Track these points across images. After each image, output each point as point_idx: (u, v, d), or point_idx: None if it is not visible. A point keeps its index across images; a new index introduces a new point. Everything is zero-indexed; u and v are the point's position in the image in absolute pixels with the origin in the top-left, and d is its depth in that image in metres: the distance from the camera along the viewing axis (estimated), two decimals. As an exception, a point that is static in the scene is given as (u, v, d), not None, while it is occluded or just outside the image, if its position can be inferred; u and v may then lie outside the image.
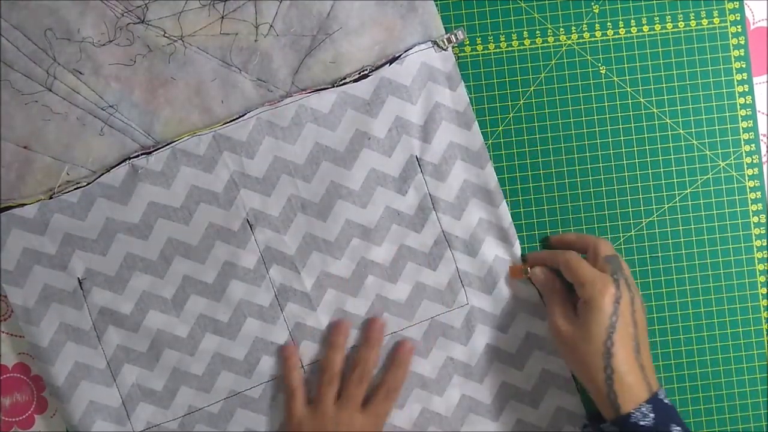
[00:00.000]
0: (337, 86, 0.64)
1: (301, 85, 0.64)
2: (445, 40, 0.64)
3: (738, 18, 0.66)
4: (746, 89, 0.66)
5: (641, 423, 0.56)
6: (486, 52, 0.66)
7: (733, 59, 0.66)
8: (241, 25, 0.64)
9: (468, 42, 0.66)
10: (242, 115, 0.64)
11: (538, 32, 0.66)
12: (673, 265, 0.66)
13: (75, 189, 0.63)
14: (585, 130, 0.66)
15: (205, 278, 0.64)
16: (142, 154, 0.63)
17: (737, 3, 0.66)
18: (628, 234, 0.66)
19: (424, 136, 0.64)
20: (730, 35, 0.66)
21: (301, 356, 0.65)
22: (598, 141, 0.66)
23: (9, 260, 0.64)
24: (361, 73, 0.64)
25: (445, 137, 0.64)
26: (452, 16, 0.66)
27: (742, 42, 0.66)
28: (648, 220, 0.66)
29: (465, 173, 0.65)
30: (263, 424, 0.65)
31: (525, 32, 0.66)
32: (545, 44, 0.66)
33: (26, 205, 0.63)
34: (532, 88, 0.66)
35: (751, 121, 0.66)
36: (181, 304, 0.64)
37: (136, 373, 0.64)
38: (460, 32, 0.64)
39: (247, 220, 0.64)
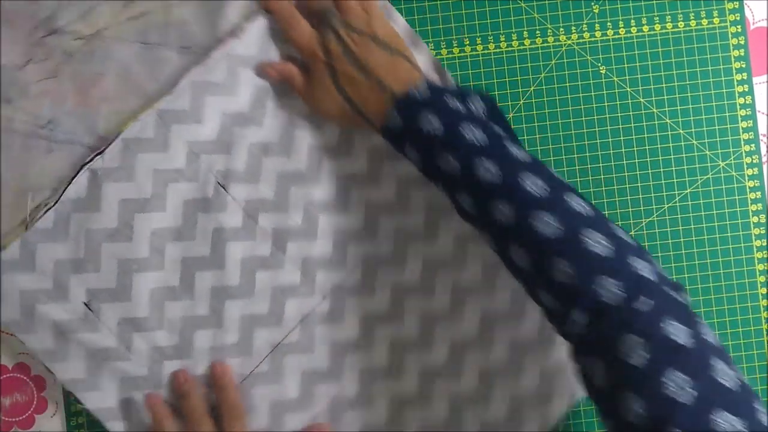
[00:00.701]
0: (254, 21, 0.63)
1: (226, 38, 0.64)
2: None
3: (738, 18, 0.66)
4: (746, 89, 0.66)
5: (391, 124, 0.58)
6: (486, 52, 0.66)
7: (733, 59, 0.66)
8: (149, 4, 0.64)
9: (468, 42, 0.66)
10: (175, 86, 0.63)
11: (538, 32, 0.66)
12: (672, 265, 0.66)
13: (45, 212, 0.62)
14: (585, 130, 0.66)
15: (201, 253, 0.64)
16: (95, 156, 0.63)
17: (737, 3, 0.66)
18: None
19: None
20: (730, 35, 0.66)
21: (321, 289, 0.65)
22: (598, 141, 0.66)
23: (11, 309, 0.62)
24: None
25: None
26: (452, 16, 0.66)
27: (742, 42, 0.66)
28: (648, 220, 0.66)
29: None
30: (315, 360, 0.65)
31: (525, 32, 0.66)
32: (545, 44, 0.66)
33: (7, 246, 0.62)
34: (532, 88, 0.66)
35: (751, 121, 0.66)
36: (190, 286, 0.64)
37: (178, 367, 0.64)
38: None
39: (218, 183, 0.64)
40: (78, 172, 0.63)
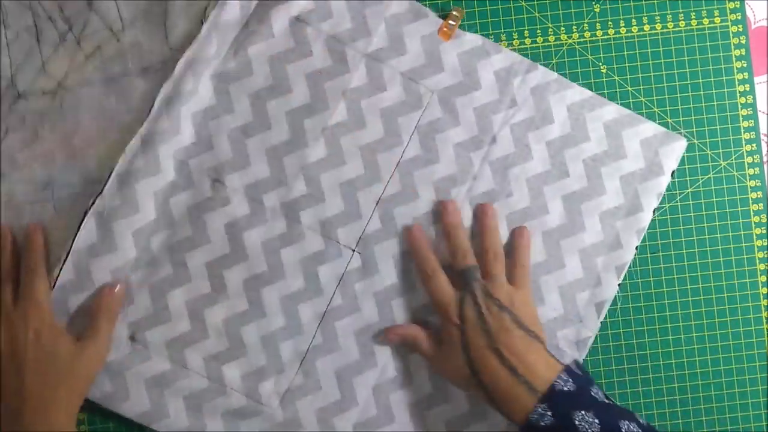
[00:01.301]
0: (206, 22, 0.64)
1: (177, 46, 0.64)
2: None
3: (739, 17, 0.66)
4: (747, 89, 0.66)
5: (540, 422, 0.55)
6: (487, 51, 0.66)
7: (734, 59, 0.66)
8: (97, 38, 0.65)
9: (469, 41, 0.66)
10: (150, 108, 0.63)
11: (539, 31, 0.66)
12: (673, 264, 0.66)
13: (61, 267, 0.63)
14: (586, 130, 0.66)
15: (222, 252, 0.64)
16: (96, 199, 0.63)
17: (738, 2, 0.66)
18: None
19: (395, 50, 0.65)
20: (731, 35, 0.66)
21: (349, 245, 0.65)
22: (599, 140, 0.66)
23: None
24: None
25: (407, 36, 0.65)
26: (453, 15, 0.66)
27: (743, 41, 0.66)
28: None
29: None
30: (364, 317, 0.64)
31: (526, 31, 0.66)
32: (546, 43, 0.66)
33: None
34: (533, 88, 0.66)
35: (752, 121, 0.66)
36: (222, 286, 0.64)
37: (238, 368, 0.64)
38: None
39: (213, 180, 0.64)
40: (83, 220, 0.63)
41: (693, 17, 0.66)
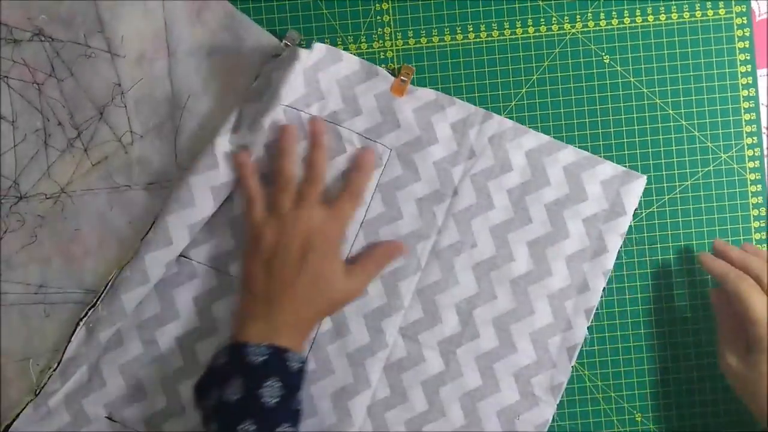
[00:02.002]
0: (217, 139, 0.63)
1: (186, 164, 0.64)
2: (283, 46, 0.65)
3: (744, 10, 0.65)
4: (750, 81, 0.66)
5: None
6: (490, 39, 0.66)
7: (737, 51, 0.66)
8: (106, 147, 0.65)
9: (472, 29, 0.66)
10: (152, 224, 0.63)
11: (542, 20, 0.66)
12: (672, 256, 0.66)
13: (50, 376, 0.63)
14: (587, 120, 0.66)
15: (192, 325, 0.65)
16: (89, 311, 0.63)
17: (743, -6, 0.66)
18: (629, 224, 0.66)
19: (350, 111, 0.65)
20: (735, 27, 0.66)
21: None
22: (600, 131, 0.66)
23: None
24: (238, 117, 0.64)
25: (360, 96, 0.65)
26: (456, 3, 0.66)
27: (747, 34, 0.66)
28: (648, 211, 0.66)
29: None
30: (338, 380, 0.64)
31: (529, 20, 0.66)
32: (549, 32, 0.66)
33: (19, 414, 0.63)
34: (535, 77, 0.66)
35: (754, 114, 0.66)
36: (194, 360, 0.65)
37: None
38: (293, 34, 0.65)
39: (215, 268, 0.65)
40: (74, 331, 0.63)
41: (697, 8, 0.66)
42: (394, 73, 0.65)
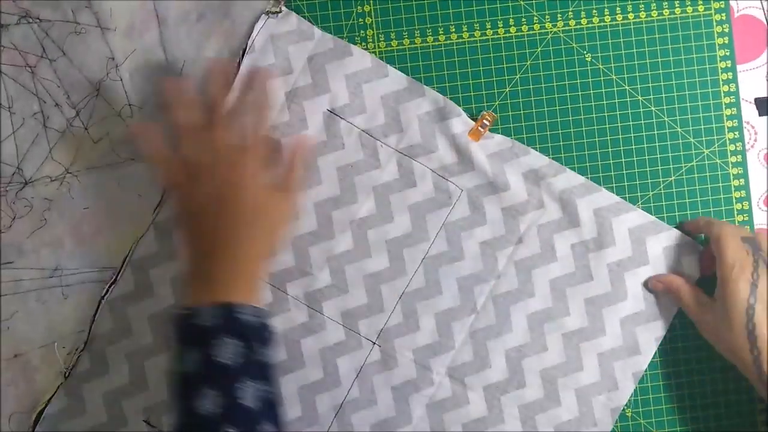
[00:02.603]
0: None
1: None
2: (271, 7, 0.64)
3: (722, 6, 0.66)
4: (730, 77, 0.66)
5: None
6: (472, 39, 0.66)
7: (717, 47, 0.66)
8: (106, 123, 0.64)
9: (454, 29, 0.66)
10: (162, 196, 0.64)
11: (523, 20, 0.66)
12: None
13: (78, 356, 0.64)
14: (570, 118, 0.66)
15: None
16: (110, 287, 0.64)
17: (721, -9, 0.66)
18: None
19: (315, 88, 0.65)
20: (714, 23, 0.66)
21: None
22: (584, 128, 0.66)
23: None
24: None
25: (339, 73, 0.65)
26: (437, 3, 0.66)
27: (726, 30, 0.66)
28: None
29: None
30: (380, 413, 0.65)
31: (511, 20, 0.66)
32: (531, 32, 0.66)
33: (51, 398, 0.63)
34: (518, 76, 0.66)
35: (735, 109, 0.67)
36: None
37: None
38: None
39: None
40: (98, 309, 0.63)
41: (677, 5, 0.66)
42: (473, 118, 0.65)
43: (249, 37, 0.64)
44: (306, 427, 0.64)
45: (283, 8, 0.65)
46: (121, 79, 0.64)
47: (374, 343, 0.65)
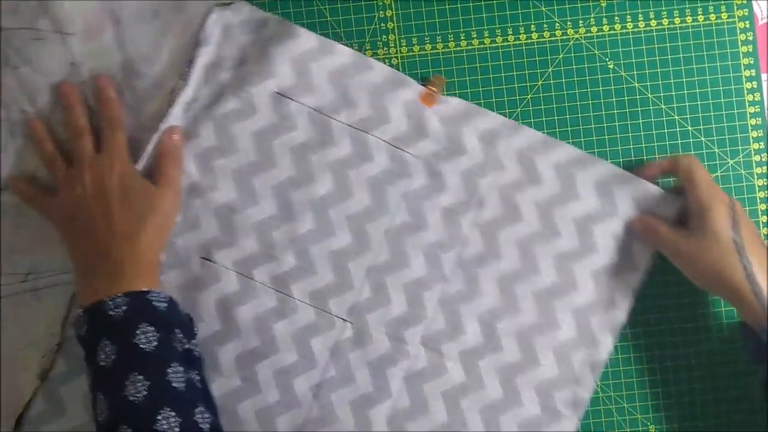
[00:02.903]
0: (174, 105, 0.64)
1: (149, 125, 0.64)
2: None
3: (746, 13, 0.66)
4: (755, 86, 0.66)
5: None
6: (494, 45, 0.66)
7: (741, 55, 0.66)
8: None
9: (475, 35, 0.66)
10: None
11: (545, 26, 0.66)
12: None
13: (54, 357, 0.63)
14: (593, 126, 0.66)
15: (213, 329, 0.64)
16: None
17: (745, -1, 0.66)
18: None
19: (261, 72, 0.65)
20: (738, 31, 0.66)
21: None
22: (606, 136, 0.66)
23: None
24: (182, 78, 0.64)
25: (285, 55, 0.64)
26: (459, 9, 0.66)
27: (750, 38, 0.66)
28: (657, 215, 0.66)
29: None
30: (359, 389, 0.64)
31: (533, 26, 0.66)
32: (553, 38, 0.66)
33: (30, 401, 0.63)
34: (540, 83, 0.66)
35: (760, 119, 0.66)
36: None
37: None
38: None
39: (202, 258, 0.64)
40: (69, 310, 0.63)
41: (700, 13, 0.66)
42: (423, 84, 0.65)
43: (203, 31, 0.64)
44: (285, 411, 0.63)
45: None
46: (83, 82, 0.64)
47: (346, 321, 0.64)
